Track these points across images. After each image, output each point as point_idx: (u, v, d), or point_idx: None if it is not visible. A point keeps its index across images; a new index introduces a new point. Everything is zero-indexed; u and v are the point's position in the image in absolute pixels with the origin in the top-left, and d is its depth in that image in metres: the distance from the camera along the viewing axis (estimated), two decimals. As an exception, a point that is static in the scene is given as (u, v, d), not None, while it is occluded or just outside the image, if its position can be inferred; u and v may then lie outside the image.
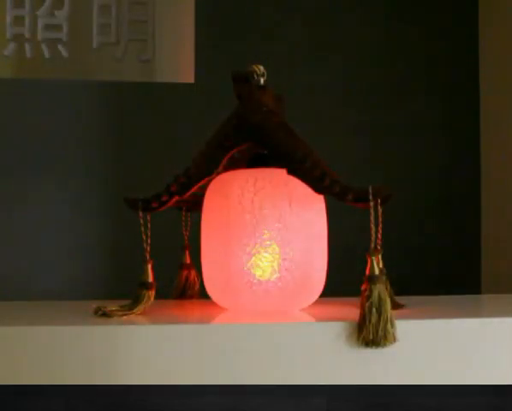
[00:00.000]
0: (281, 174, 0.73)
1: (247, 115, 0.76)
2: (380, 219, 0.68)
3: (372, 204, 0.68)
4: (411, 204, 1.25)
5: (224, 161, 0.76)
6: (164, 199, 0.77)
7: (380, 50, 1.29)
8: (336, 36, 1.28)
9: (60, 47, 1.22)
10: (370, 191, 0.68)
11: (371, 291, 0.67)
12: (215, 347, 0.67)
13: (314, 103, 1.26)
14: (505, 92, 1.21)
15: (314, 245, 0.75)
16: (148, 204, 0.77)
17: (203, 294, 0.82)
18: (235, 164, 0.78)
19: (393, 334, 0.67)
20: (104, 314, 0.73)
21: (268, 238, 0.73)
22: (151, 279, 0.76)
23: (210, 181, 0.78)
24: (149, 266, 0.76)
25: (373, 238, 0.69)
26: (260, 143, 0.75)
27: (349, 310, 0.74)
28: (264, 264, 0.73)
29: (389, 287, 0.75)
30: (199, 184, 0.77)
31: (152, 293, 0.76)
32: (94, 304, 0.75)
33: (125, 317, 0.73)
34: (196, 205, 0.83)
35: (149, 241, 0.76)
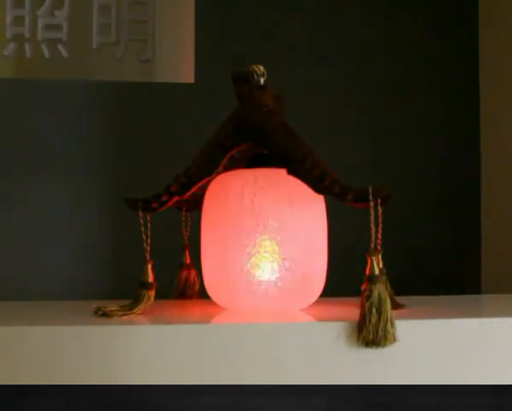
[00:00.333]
0: (281, 174, 0.73)
1: (247, 115, 0.76)
2: (380, 219, 0.69)
3: (371, 204, 0.68)
4: (411, 204, 1.25)
5: (224, 161, 0.76)
6: (164, 199, 0.77)
7: (380, 50, 1.29)
8: (336, 36, 1.28)
9: (60, 47, 1.22)
10: (370, 191, 0.68)
11: (371, 291, 0.67)
12: (215, 347, 0.67)
13: (314, 103, 1.25)
14: (505, 92, 1.21)
15: (314, 245, 0.75)
16: (148, 204, 0.77)
17: (203, 294, 0.82)
18: (235, 164, 0.78)
19: (393, 334, 0.67)
20: (104, 314, 0.73)
21: (268, 238, 0.73)
22: (151, 279, 0.76)
23: (210, 181, 0.78)
24: (149, 266, 0.77)
25: (373, 238, 0.69)
26: (260, 143, 0.75)
27: (349, 310, 0.74)
28: (264, 264, 0.73)
29: (389, 287, 0.75)
30: (199, 184, 0.77)
31: (152, 293, 0.76)
32: (94, 304, 0.75)
33: (125, 317, 0.73)
34: (196, 205, 0.83)
35: (149, 241, 0.77)
